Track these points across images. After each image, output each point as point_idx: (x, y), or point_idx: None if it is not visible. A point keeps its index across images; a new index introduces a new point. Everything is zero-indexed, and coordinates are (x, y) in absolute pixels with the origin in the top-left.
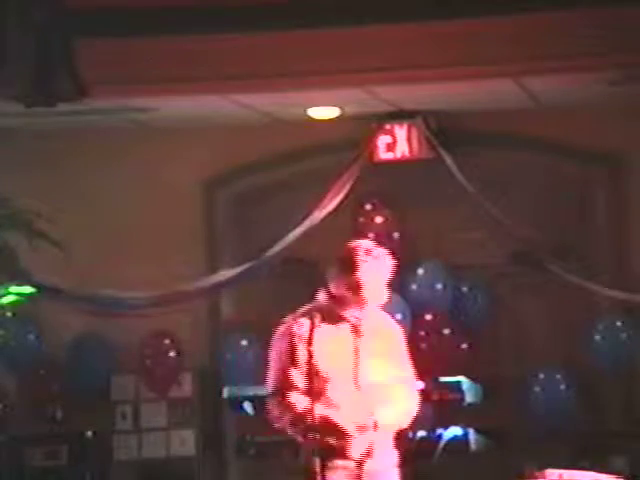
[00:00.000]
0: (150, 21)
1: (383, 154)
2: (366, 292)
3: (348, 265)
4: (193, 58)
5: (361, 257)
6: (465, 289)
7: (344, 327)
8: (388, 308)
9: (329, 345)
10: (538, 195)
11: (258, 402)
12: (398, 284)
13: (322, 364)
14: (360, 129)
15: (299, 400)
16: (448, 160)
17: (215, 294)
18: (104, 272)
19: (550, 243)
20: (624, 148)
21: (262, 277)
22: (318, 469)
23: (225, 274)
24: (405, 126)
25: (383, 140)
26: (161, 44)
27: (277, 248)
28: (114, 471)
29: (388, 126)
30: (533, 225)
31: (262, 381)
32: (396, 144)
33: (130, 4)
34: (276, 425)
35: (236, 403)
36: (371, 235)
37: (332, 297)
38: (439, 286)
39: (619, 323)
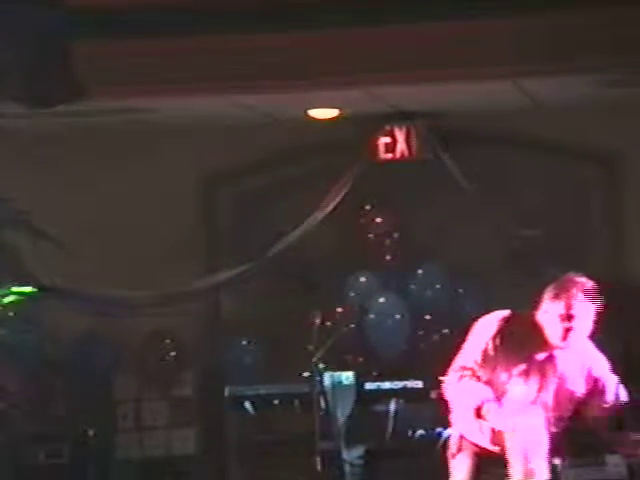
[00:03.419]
0: (150, 21)
1: (383, 155)
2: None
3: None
4: (193, 58)
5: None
6: (465, 289)
7: None
8: (388, 308)
9: None
10: (537, 195)
11: (259, 401)
12: (398, 284)
13: None
14: (360, 130)
15: None
16: (447, 161)
17: (215, 294)
18: (105, 272)
19: (549, 243)
20: (623, 148)
21: (262, 277)
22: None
23: (225, 274)
24: (405, 127)
25: (383, 141)
26: (161, 44)
27: (277, 248)
28: (115, 470)
29: (388, 127)
30: (532, 225)
31: (262, 380)
32: (396, 145)
33: (130, 4)
34: None
35: (237, 402)
36: (371, 235)
37: None
38: (439, 286)
39: None
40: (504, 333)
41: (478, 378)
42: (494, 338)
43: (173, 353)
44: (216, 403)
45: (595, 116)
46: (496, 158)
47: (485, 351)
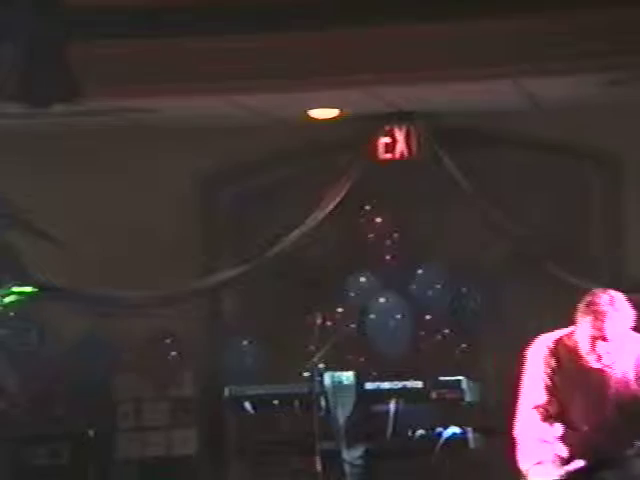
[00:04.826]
0: (150, 21)
1: (382, 155)
2: None
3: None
4: (193, 58)
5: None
6: (465, 289)
7: None
8: (388, 308)
9: None
10: (537, 195)
11: (258, 401)
12: (398, 284)
13: None
14: (360, 130)
15: None
16: (447, 161)
17: (215, 294)
18: (105, 272)
19: (549, 243)
20: (623, 148)
21: (262, 277)
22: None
23: (225, 274)
24: (404, 127)
25: (383, 141)
26: (161, 44)
27: (277, 248)
28: (116, 470)
29: (387, 127)
30: (532, 225)
31: (262, 380)
32: (395, 145)
33: (129, 4)
34: None
35: (237, 402)
36: (371, 235)
37: None
38: (439, 286)
39: None
40: (554, 359)
41: (549, 415)
42: (548, 368)
43: (173, 353)
44: (216, 403)
45: (595, 116)
46: (496, 158)
47: (546, 385)
